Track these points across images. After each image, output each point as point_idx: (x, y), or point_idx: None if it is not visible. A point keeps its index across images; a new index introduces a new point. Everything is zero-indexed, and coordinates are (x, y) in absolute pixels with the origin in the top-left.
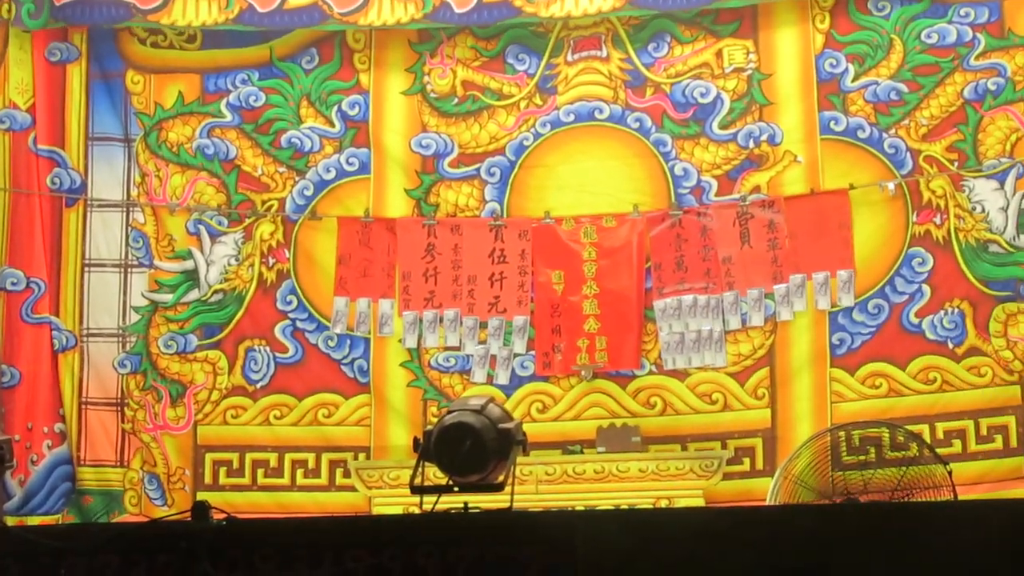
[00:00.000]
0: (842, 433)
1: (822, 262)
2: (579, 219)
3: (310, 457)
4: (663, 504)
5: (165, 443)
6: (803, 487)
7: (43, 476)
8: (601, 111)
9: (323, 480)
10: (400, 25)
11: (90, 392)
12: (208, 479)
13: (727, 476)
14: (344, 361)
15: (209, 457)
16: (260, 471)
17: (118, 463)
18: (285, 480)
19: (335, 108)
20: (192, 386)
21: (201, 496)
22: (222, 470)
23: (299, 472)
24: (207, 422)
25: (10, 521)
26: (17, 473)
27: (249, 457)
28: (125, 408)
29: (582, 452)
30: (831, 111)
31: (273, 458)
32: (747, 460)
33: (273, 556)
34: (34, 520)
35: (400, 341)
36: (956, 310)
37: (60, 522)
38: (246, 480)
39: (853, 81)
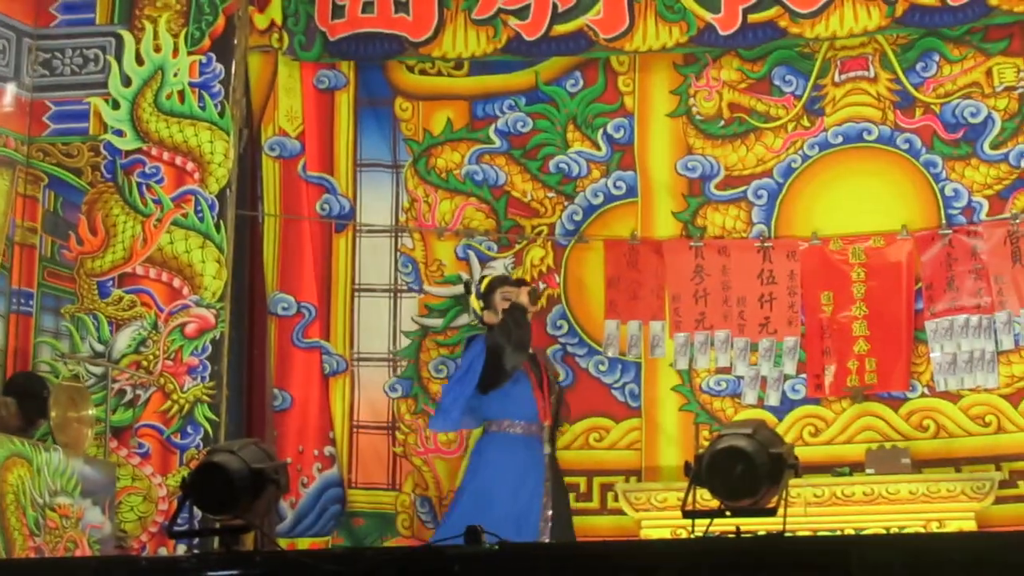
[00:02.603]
0: None
1: None
2: (847, 240)
3: (581, 481)
4: (934, 527)
5: (436, 467)
6: None
7: (313, 498)
8: (870, 132)
9: (595, 504)
10: (665, 49)
11: (361, 416)
12: None
13: (1000, 499)
14: (615, 385)
15: None
16: None
17: (390, 486)
18: None
19: (600, 131)
20: None
21: None
22: None
23: (571, 496)
24: None
25: (282, 542)
26: (288, 496)
27: None
28: (396, 432)
29: (851, 474)
30: None
31: None
32: (1022, 484)
33: None
34: (304, 541)
35: (671, 364)
36: None
37: (330, 544)
38: None
39: None
